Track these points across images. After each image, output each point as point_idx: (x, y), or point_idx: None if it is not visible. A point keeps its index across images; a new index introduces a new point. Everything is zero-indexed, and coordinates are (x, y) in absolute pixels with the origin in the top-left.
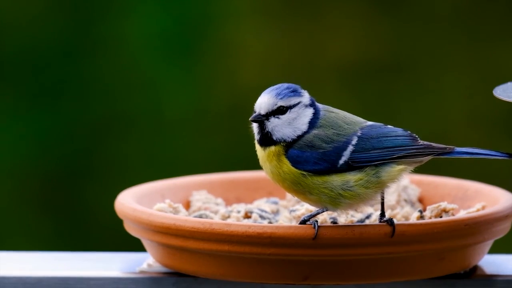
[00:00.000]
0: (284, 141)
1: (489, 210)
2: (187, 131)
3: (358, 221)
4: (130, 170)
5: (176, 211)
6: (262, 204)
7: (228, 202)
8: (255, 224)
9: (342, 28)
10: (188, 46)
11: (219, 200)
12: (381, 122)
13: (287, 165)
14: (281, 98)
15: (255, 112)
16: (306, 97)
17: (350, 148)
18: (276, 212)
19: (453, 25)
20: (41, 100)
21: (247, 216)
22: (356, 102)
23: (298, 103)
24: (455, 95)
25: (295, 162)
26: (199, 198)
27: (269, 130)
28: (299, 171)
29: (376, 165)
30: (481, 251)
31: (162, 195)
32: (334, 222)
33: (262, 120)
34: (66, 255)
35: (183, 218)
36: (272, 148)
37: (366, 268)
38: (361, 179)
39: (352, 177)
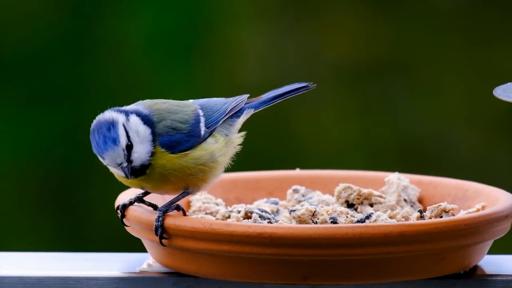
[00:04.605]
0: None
1: (489, 210)
2: None
3: (358, 221)
4: None
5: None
6: (262, 204)
7: (228, 202)
8: (255, 224)
9: (342, 28)
10: (189, 46)
11: (219, 200)
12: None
13: (167, 155)
14: (115, 143)
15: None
16: (121, 116)
17: (202, 119)
18: (276, 212)
19: (453, 25)
20: (42, 100)
21: (247, 216)
22: (355, 102)
23: (124, 125)
24: (455, 95)
25: (169, 148)
26: (199, 198)
27: (138, 164)
28: (177, 155)
29: (226, 133)
30: (481, 251)
31: (162, 195)
32: (334, 222)
33: (127, 166)
34: (66, 255)
35: (183, 218)
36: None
37: (366, 268)
38: (220, 147)
39: (214, 147)
